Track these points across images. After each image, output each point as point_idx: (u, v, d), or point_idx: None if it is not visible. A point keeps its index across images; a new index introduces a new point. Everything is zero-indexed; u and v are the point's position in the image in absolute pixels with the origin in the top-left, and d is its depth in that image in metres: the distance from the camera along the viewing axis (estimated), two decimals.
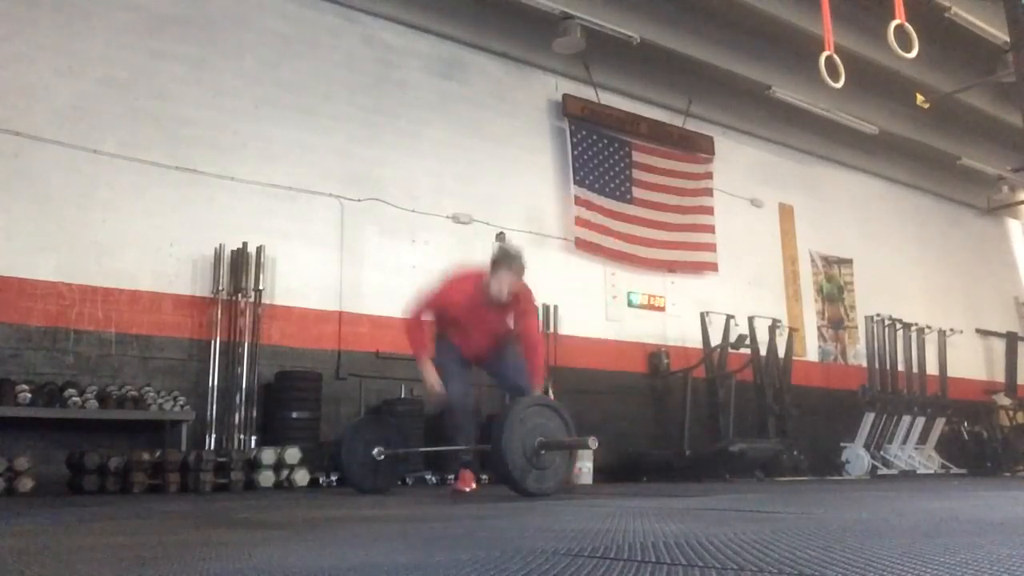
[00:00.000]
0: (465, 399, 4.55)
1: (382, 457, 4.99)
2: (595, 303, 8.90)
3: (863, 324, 10.76)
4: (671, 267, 9.51)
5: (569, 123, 9.07)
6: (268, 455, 5.92)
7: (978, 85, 9.90)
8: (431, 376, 4.43)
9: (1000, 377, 12.31)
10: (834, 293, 11.37)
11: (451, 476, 6.92)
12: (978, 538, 1.77)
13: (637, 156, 9.52)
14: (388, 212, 7.58)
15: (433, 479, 6.80)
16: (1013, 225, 14.53)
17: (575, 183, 8.92)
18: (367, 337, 7.23)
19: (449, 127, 8.29)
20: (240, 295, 6.58)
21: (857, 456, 9.41)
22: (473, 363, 4.69)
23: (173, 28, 6.93)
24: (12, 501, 4.62)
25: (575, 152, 9.02)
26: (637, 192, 9.40)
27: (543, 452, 4.04)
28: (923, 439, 10.18)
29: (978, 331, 12.75)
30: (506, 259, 4.42)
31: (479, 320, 4.49)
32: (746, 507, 3.18)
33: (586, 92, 9.23)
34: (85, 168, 6.29)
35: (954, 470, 10.11)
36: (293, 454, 6.01)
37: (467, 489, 4.67)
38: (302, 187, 7.25)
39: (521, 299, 4.53)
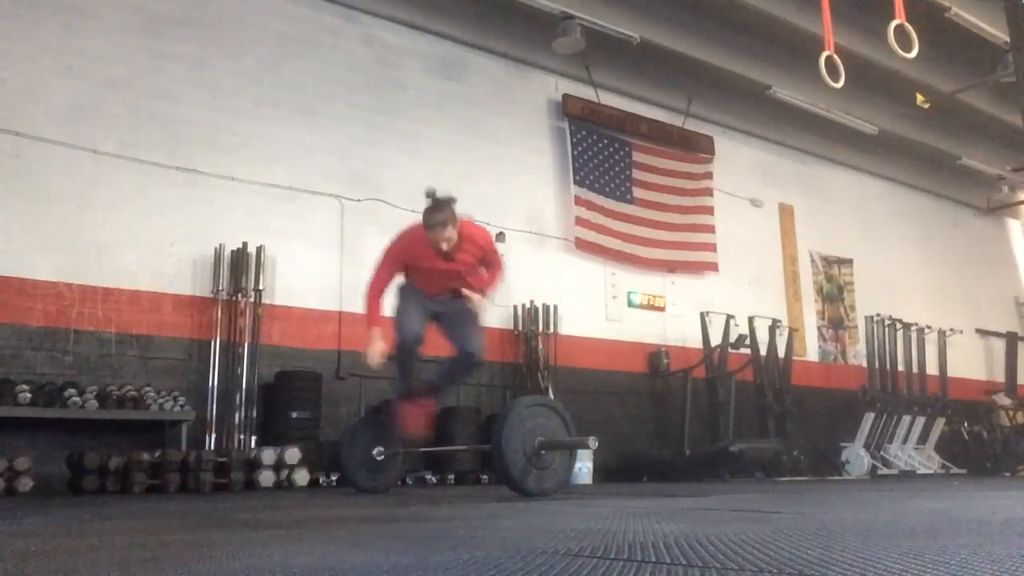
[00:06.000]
0: (416, 339, 4.48)
1: (382, 457, 4.99)
2: (595, 303, 8.90)
3: (863, 324, 10.77)
4: (671, 267, 9.51)
5: (569, 123, 9.07)
6: (268, 455, 5.92)
7: (978, 85, 9.90)
8: (377, 346, 4.45)
9: (1000, 377, 12.31)
10: (834, 293, 11.38)
11: (451, 476, 6.94)
12: (978, 538, 1.77)
13: (637, 156, 9.53)
14: (388, 212, 7.57)
15: (433, 479, 6.80)
16: (1013, 225, 14.53)
17: (575, 183, 8.92)
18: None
19: (449, 127, 8.29)
20: (240, 295, 6.58)
21: (857, 456, 9.42)
22: (431, 313, 4.61)
23: (173, 28, 6.93)
24: (12, 501, 4.62)
25: (575, 152, 9.02)
26: (637, 192, 9.41)
27: (543, 452, 4.05)
28: (923, 439, 10.19)
29: (978, 331, 12.76)
30: (430, 213, 4.34)
31: (436, 269, 4.47)
32: (746, 507, 3.18)
33: (586, 92, 9.23)
34: (85, 168, 6.29)
35: (954, 470, 10.12)
36: (293, 454, 6.01)
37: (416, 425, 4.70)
38: (302, 187, 7.26)
39: (475, 243, 4.47)
